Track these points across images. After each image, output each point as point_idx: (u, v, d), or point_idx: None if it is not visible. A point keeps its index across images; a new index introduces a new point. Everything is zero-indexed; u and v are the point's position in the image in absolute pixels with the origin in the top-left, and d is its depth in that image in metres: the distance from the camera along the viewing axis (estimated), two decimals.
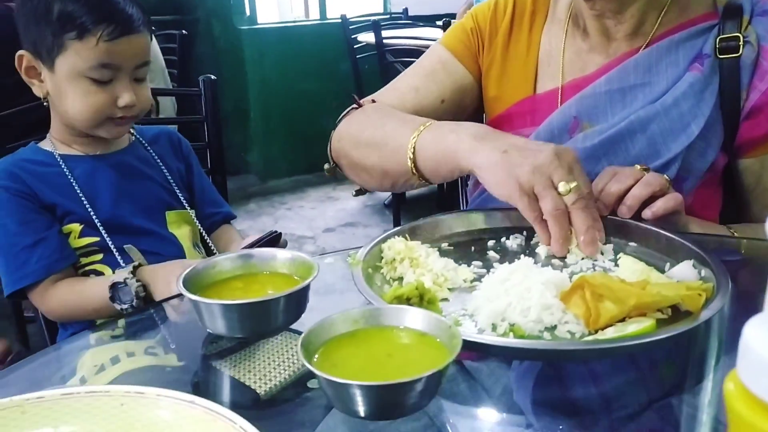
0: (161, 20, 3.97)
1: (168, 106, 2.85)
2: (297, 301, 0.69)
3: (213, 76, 1.58)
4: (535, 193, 0.79)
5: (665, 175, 0.90)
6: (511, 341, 0.63)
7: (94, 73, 1.10)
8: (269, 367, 0.67)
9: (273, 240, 1.06)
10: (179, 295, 0.77)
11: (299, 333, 0.69)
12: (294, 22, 4.86)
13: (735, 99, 1.00)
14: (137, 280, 1.05)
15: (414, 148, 0.93)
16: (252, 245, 1.06)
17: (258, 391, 0.63)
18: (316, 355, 0.58)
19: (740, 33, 0.99)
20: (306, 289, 0.69)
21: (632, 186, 0.87)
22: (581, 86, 1.05)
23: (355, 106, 1.13)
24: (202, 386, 0.67)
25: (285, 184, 4.48)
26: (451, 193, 1.73)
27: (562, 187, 0.78)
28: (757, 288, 0.79)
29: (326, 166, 1.15)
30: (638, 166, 0.91)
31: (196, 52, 4.42)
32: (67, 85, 1.11)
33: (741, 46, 0.98)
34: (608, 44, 1.06)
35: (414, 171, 0.94)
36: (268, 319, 0.67)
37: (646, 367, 0.68)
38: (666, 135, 0.99)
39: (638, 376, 0.67)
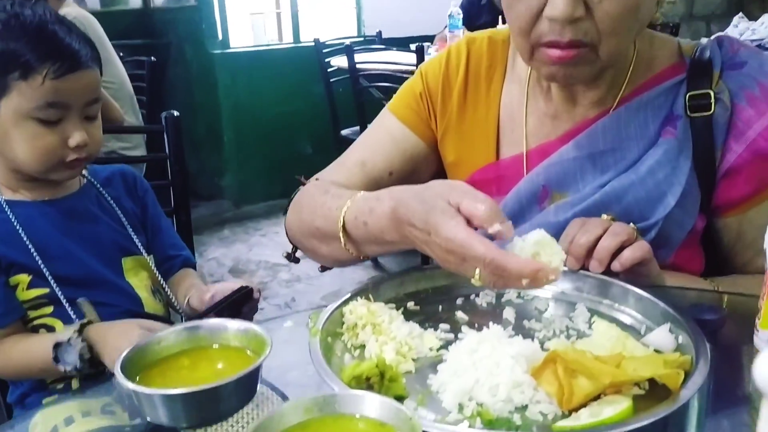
0: (132, 45, 3.90)
1: (137, 137, 2.79)
2: (247, 384, 0.63)
3: (176, 113, 1.52)
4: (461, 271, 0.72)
5: (632, 224, 0.86)
6: None
7: (41, 113, 1.04)
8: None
9: (244, 296, 1.00)
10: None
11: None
12: (267, 45, 4.82)
13: (710, 159, 0.94)
14: (83, 340, 0.98)
15: (348, 241, 0.88)
16: (219, 304, 1.00)
17: None
18: None
19: (711, 89, 0.94)
20: (257, 369, 0.64)
21: (600, 236, 0.83)
22: (548, 152, 0.99)
23: (301, 186, 1.07)
24: None
25: (259, 209, 4.41)
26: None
27: (474, 283, 0.71)
28: (738, 350, 0.76)
29: (284, 253, 1.11)
30: (605, 216, 0.88)
31: (168, 76, 4.37)
32: (13, 129, 1.05)
33: (713, 104, 0.93)
34: (573, 109, 1.00)
35: (362, 258, 0.91)
36: (216, 406, 0.62)
37: None
38: (642, 206, 0.93)
39: None
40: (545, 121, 1.02)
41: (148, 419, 0.63)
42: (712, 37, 0.99)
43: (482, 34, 1.09)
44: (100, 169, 1.26)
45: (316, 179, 1.07)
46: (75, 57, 1.05)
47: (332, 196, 0.93)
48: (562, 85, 0.97)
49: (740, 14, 4.30)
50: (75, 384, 1.11)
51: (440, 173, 1.12)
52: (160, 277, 1.23)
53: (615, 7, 0.82)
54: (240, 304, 1.00)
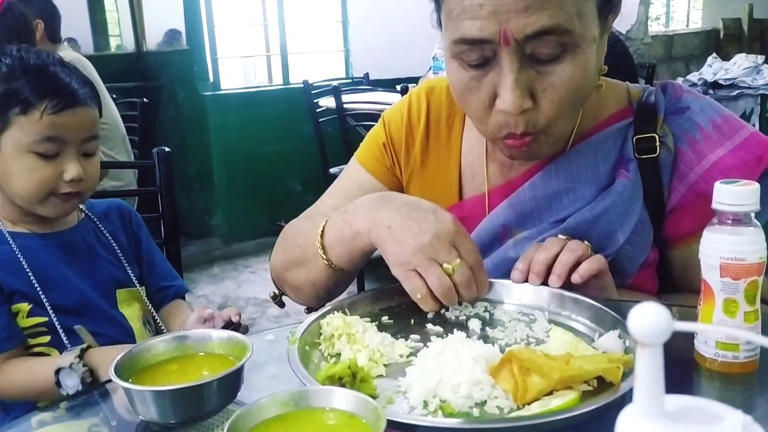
0: (124, 87, 4.01)
1: (129, 175, 2.86)
2: (230, 384, 0.69)
3: (167, 149, 1.60)
4: (419, 272, 0.83)
5: (585, 242, 0.93)
6: (435, 420, 0.64)
7: (39, 147, 1.10)
8: None
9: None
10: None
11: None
12: (257, 87, 4.95)
13: (658, 196, 1.00)
14: (84, 365, 1.03)
15: (324, 249, 0.94)
16: None
17: None
18: None
19: (656, 133, 0.99)
20: (239, 371, 0.70)
21: (558, 253, 0.90)
22: (507, 193, 1.04)
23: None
24: None
25: (249, 246, 4.47)
26: None
27: (447, 269, 0.82)
28: (679, 354, 0.83)
29: (270, 293, 1.15)
30: (560, 236, 0.95)
31: (160, 117, 4.47)
32: (13, 162, 1.11)
33: (658, 147, 0.98)
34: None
35: (336, 268, 0.95)
36: (201, 403, 0.67)
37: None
38: (595, 242, 0.96)
39: None
40: (502, 169, 1.07)
41: (140, 417, 0.68)
42: (657, 83, 1.05)
43: (441, 84, 1.13)
44: (97, 204, 1.32)
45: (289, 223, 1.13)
46: (73, 94, 1.12)
47: (314, 220, 1.01)
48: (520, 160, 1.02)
49: (714, 55, 4.48)
50: (63, 408, 1.15)
51: None
52: (151, 309, 1.28)
53: (558, 94, 0.87)
54: None
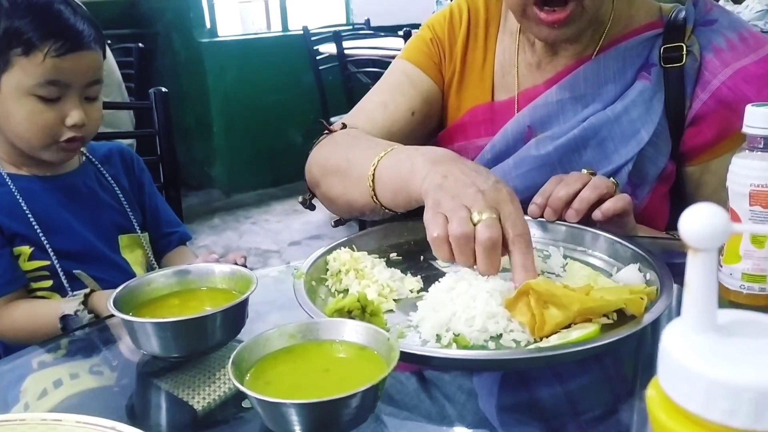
0: (119, 34, 3.91)
1: (125, 119, 2.80)
2: (234, 317, 0.66)
3: (164, 89, 1.54)
4: (446, 214, 0.72)
5: (612, 179, 0.90)
6: (450, 352, 0.62)
7: (41, 90, 1.05)
8: (209, 381, 0.65)
9: None
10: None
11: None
12: (255, 34, 4.83)
13: (680, 107, 1.01)
14: (89, 311, 1.01)
15: (373, 177, 0.88)
16: None
17: (195, 407, 0.61)
18: (249, 374, 0.56)
19: (684, 43, 1.01)
20: (243, 304, 0.67)
21: (580, 190, 0.86)
22: (534, 96, 1.06)
23: (326, 132, 1.09)
24: (142, 406, 0.65)
25: (249, 198, 4.43)
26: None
27: (475, 216, 0.71)
28: None
29: (299, 198, 1.10)
30: (585, 171, 0.91)
31: (156, 65, 4.37)
32: (14, 104, 1.07)
33: (684, 56, 1.00)
34: (556, 59, 1.07)
35: (376, 200, 0.89)
36: (204, 336, 0.65)
37: (599, 370, 0.67)
38: (617, 141, 1.00)
39: (591, 379, 0.66)
40: (531, 69, 1.09)
41: (142, 351, 0.65)
42: None
43: None
44: (98, 147, 1.28)
45: (343, 124, 1.09)
46: (77, 37, 1.07)
47: (370, 141, 0.97)
48: (550, 43, 1.04)
49: None
50: (64, 347, 1.13)
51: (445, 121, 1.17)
52: (151, 256, 1.25)
53: None
54: None
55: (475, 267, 0.72)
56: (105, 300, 1.02)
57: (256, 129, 4.46)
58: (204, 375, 0.66)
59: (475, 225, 0.70)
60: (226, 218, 4.20)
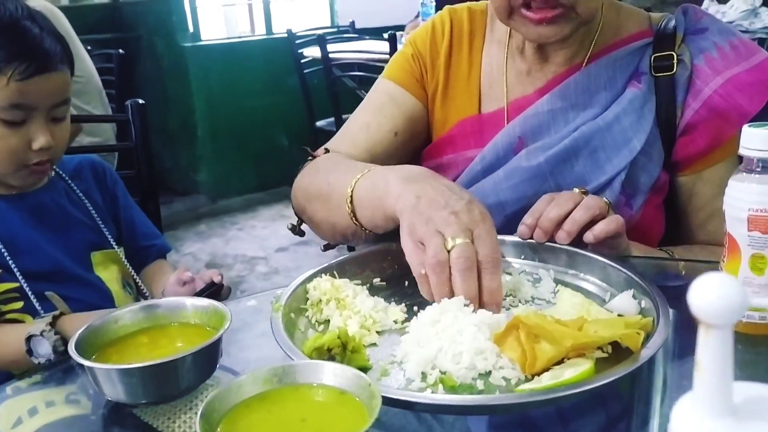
0: (101, 39, 3.84)
1: (107, 130, 2.74)
2: (207, 358, 0.62)
3: (141, 101, 1.50)
4: (422, 242, 0.73)
5: (604, 198, 0.86)
6: (436, 398, 0.58)
7: (5, 114, 1.00)
8: (187, 410, 0.62)
9: (213, 294, 0.99)
10: None
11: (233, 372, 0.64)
12: (239, 37, 4.77)
13: (671, 116, 0.99)
14: (56, 333, 0.96)
15: (351, 198, 0.87)
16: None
17: None
18: (220, 426, 0.52)
19: (674, 51, 0.99)
20: (217, 342, 0.63)
21: (572, 210, 0.83)
22: (524, 106, 1.04)
23: (310, 158, 1.08)
24: None
25: (236, 203, 4.38)
26: None
27: (448, 243, 0.71)
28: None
29: (288, 225, 1.10)
30: (577, 190, 0.88)
31: (139, 70, 4.31)
32: None
33: (675, 65, 0.99)
34: (546, 66, 1.05)
35: (356, 222, 0.88)
36: (175, 380, 0.61)
37: (592, 406, 0.64)
38: (609, 150, 0.98)
39: (596, 404, 0.63)
40: (521, 78, 1.07)
41: (107, 397, 0.61)
42: (678, 8, 1.05)
43: (462, 6, 1.16)
44: (68, 160, 1.23)
45: (326, 149, 1.09)
46: (44, 58, 1.02)
47: (348, 164, 0.97)
48: (539, 43, 1.01)
49: None
50: (39, 374, 1.09)
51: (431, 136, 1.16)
52: (131, 270, 1.21)
53: None
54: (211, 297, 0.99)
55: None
56: (75, 322, 0.98)
57: (242, 133, 4.40)
58: (183, 404, 0.62)
59: (449, 251, 0.71)
60: (212, 224, 4.14)
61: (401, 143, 1.11)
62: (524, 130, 1.02)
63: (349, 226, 0.90)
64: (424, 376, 0.62)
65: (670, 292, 0.73)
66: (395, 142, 1.10)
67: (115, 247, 1.19)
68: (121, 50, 3.04)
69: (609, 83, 1.00)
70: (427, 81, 1.13)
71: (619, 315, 0.70)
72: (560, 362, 0.62)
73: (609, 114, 0.98)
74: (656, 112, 0.99)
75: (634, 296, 0.71)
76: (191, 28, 4.30)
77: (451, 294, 0.70)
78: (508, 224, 0.99)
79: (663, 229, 1.04)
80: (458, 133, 1.09)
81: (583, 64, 1.02)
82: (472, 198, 0.77)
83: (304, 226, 1.09)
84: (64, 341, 0.97)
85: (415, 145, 1.14)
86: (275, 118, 4.42)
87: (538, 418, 0.62)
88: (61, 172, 1.19)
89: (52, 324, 0.98)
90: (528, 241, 0.85)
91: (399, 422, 0.60)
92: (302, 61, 3.75)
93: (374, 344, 0.70)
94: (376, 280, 0.83)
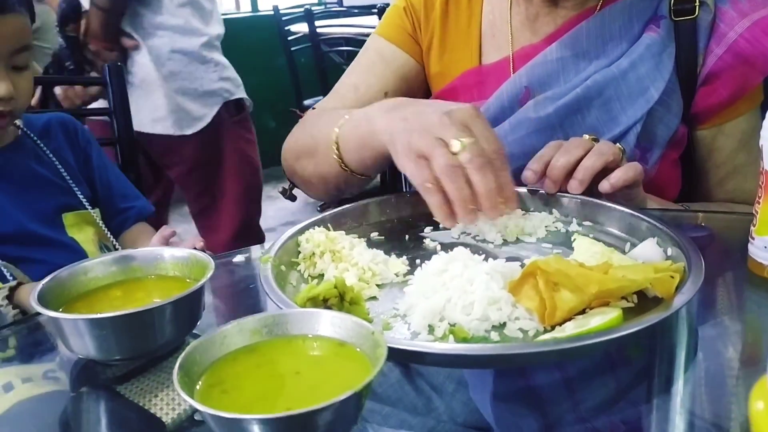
0: None
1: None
2: (187, 310, 0.56)
3: (118, 63, 1.41)
4: (425, 155, 0.69)
5: (618, 144, 0.80)
6: (447, 347, 0.51)
7: None
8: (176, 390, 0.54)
9: None
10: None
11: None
12: (224, 15, 4.64)
13: (691, 64, 0.92)
14: (14, 306, 0.89)
15: (337, 144, 0.85)
16: None
17: (164, 419, 0.51)
18: (201, 380, 0.45)
19: None
20: (198, 293, 0.56)
21: (582, 157, 0.76)
22: (531, 55, 0.97)
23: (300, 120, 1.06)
24: (103, 417, 0.55)
25: None
26: (394, 186, 1.63)
27: (454, 145, 0.68)
28: (727, 265, 0.71)
29: (279, 188, 1.07)
30: (587, 136, 0.81)
31: None
32: None
33: (697, 7, 0.91)
34: (556, 11, 0.98)
35: (344, 167, 0.86)
36: (152, 334, 0.54)
37: (615, 359, 0.58)
38: (624, 100, 0.91)
39: (607, 369, 0.57)
40: (527, 24, 1.00)
41: (77, 354, 0.54)
42: None
43: None
44: (36, 119, 1.15)
45: (314, 109, 1.06)
46: None
47: (331, 113, 0.93)
48: None
49: None
50: (13, 348, 1.02)
51: (429, 91, 1.11)
52: (108, 232, 1.14)
53: None
54: None
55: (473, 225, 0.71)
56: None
57: None
58: (167, 378, 0.55)
59: (458, 153, 0.68)
60: None
61: None
62: (531, 80, 0.95)
63: (339, 174, 0.87)
64: (431, 329, 0.56)
65: (698, 241, 0.67)
66: None
67: (89, 207, 1.12)
68: None
69: (624, 29, 0.93)
70: (420, 35, 1.07)
71: (643, 262, 0.63)
72: (582, 313, 0.56)
73: (624, 61, 0.91)
74: (675, 59, 0.92)
75: (658, 244, 0.65)
76: None
77: (472, 197, 0.67)
78: (514, 179, 0.93)
79: (679, 187, 0.98)
80: (460, 85, 1.02)
81: (597, 9, 0.95)
82: (457, 104, 0.74)
83: (296, 191, 1.05)
84: (24, 314, 0.90)
85: None
86: (262, 98, 4.27)
87: (545, 388, 0.56)
88: (27, 131, 1.11)
89: (9, 297, 0.91)
90: (536, 189, 0.79)
91: (396, 394, 0.55)
92: (289, 38, 3.66)
93: (374, 298, 0.63)
94: (374, 235, 0.77)
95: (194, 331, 0.58)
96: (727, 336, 0.60)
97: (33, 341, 0.73)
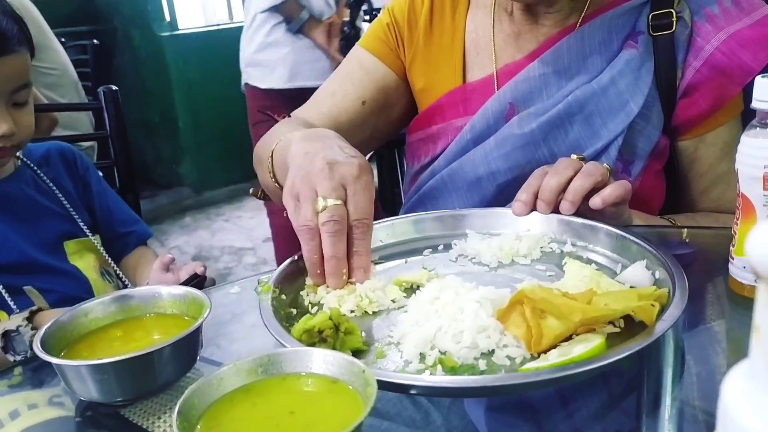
0: (75, 31, 3.74)
1: (84, 121, 2.66)
2: (186, 349, 0.57)
3: (114, 87, 1.43)
4: (299, 201, 0.71)
5: (605, 164, 0.82)
6: (435, 380, 0.53)
7: None
8: None
9: (195, 286, 0.94)
10: None
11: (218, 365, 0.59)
12: (218, 25, 4.68)
13: (671, 77, 0.94)
14: (33, 328, 0.91)
15: (271, 160, 0.88)
16: None
17: None
18: (200, 423, 0.47)
19: (673, 9, 0.94)
20: (196, 332, 0.58)
21: (572, 178, 0.78)
22: (514, 72, 0.99)
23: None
24: None
25: (221, 194, 4.30)
26: (392, 189, 1.64)
27: (318, 203, 0.68)
28: (710, 282, 0.73)
29: (251, 189, 1.09)
30: (575, 156, 0.83)
31: (115, 62, 4.21)
32: None
33: (674, 23, 0.93)
34: (537, 29, 1.00)
35: (277, 185, 0.88)
36: (152, 375, 0.56)
37: (607, 372, 0.59)
38: (605, 115, 0.93)
39: (599, 382, 0.59)
40: (510, 41, 1.02)
41: (80, 396, 0.56)
42: None
43: None
44: (35, 148, 1.17)
45: (289, 116, 1.08)
46: (2, 40, 0.95)
47: (281, 128, 0.96)
48: (528, 3, 0.97)
49: None
50: (18, 375, 1.04)
51: (412, 106, 1.12)
52: (108, 259, 1.15)
53: None
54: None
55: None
56: (52, 318, 0.93)
57: (224, 123, 4.31)
58: (170, 400, 0.57)
59: (319, 213, 0.69)
60: (197, 217, 4.07)
61: (370, 112, 1.08)
62: (515, 96, 0.97)
63: (275, 189, 0.89)
64: (422, 357, 0.58)
65: (682, 259, 0.69)
66: (363, 111, 1.07)
67: (89, 235, 1.14)
68: (96, 41, 2.97)
69: (603, 45, 0.95)
70: (403, 51, 1.09)
71: (631, 287, 0.65)
72: (568, 339, 0.57)
73: (604, 77, 0.93)
74: (655, 73, 0.94)
75: (647, 267, 0.67)
76: (168, 17, 4.20)
77: (322, 261, 0.69)
78: (500, 194, 0.95)
79: (663, 198, 1.00)
80: (446, 102, 1.04)
81: (577, 26, 0.97)
82: (358, 154, 0.74)
83: None
84: None
85: (390, 116, 1.11)
86: None
87: (539, 400, 0.58)
88: (27, 161, 1.13)
89: (29, 319, 0.92)
90: (532, 213, 0.81)
91: (394, 408, 0.56)
92: None
93: (371, 325, 0.65)
94: (374, 258, 0.78)
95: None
96: (713, 351, 0.62)
97: (38, 366, 0.75)
